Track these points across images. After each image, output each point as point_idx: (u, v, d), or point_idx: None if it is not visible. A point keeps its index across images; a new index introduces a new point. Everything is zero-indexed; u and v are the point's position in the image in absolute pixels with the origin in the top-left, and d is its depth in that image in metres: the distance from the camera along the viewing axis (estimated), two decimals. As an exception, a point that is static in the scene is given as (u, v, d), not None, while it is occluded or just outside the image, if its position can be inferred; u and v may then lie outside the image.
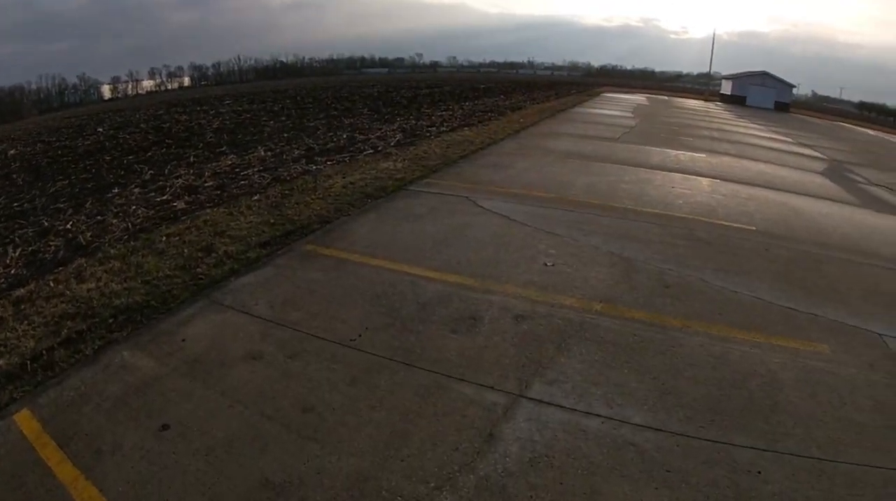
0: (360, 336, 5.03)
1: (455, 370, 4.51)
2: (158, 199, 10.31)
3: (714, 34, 79.58)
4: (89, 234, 8.15)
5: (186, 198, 10.28)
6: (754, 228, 8.64)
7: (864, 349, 5.05)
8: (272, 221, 8.25)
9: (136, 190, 11.41)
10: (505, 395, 4.21)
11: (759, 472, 3.53)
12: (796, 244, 8.04)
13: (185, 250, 6.94)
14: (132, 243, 7.41)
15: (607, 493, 3.37)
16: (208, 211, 9.09)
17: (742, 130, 26.43)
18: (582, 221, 8.34)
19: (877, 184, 14.45)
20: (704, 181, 11.92)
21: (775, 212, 9.77)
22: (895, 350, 5.04)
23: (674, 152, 15.79)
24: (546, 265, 6.57)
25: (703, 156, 15.61)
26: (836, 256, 7.66)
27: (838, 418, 4.04)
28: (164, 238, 7.52)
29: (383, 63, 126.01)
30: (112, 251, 7.09)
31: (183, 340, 4.83)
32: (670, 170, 12.85)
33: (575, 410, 4.05)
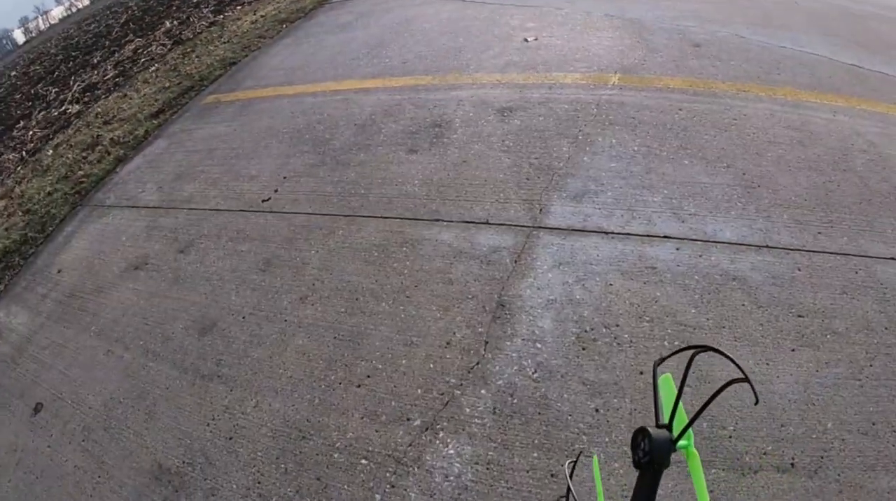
0: (276, 191, 3.32)
1: (423, 208, 2.84)
2: (55, 113, 8.44)
3: None
4: (-19, 182, 6.56)
5: (84, 99, 8.36)
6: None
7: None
8: (167, 85, 6.33)
9: (41, 114, 9.38)
10: (510, 232, 2.58)
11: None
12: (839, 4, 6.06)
13: (70, 155, 5.37)
14: (21, 171, 5.98)
15: (722, 379, 1.89)
16: (101, 102, 7.26)
17: None
18: (560, -14, 6.20)
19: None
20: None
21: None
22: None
23: None
24: (527, 41, 4.63)
25: None
26: (875, 13, 5.76)
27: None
28: (50, 151, 5.98)
29: None
30: (-1, 190, 5.64)
31: (59, 271, 3.58)
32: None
33: (629, 235, 2.45)
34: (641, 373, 1.94)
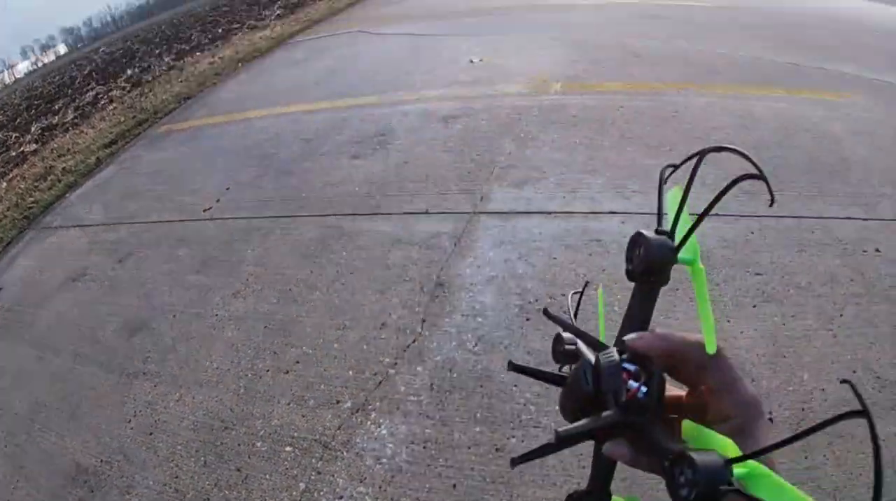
0: (217, 201, 3.24)
1: (363, 204, 2.78)
2: (13, 154, 8.43)
3: None
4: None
5: (42, 140, 8.37)
6: (708, 3, 6.86)
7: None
8: (122, 120, 6.33)
9: (-5, 161, 9.32)
10: (450, 218, 2.52)
11: (877, 250, 2.08)
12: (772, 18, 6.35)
13: (22, 186, 5.33)
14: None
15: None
16: (58, 139, 7.30)
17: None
18: (507, 22, 6.39)
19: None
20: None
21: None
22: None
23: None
24: (472, 62, 4.71)
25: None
26: (812, 23, 6.06)
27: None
28: (4, 184, 5.94)
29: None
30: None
31: (0, 289, 3.48)
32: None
33: (572, 213, 2.42)
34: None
